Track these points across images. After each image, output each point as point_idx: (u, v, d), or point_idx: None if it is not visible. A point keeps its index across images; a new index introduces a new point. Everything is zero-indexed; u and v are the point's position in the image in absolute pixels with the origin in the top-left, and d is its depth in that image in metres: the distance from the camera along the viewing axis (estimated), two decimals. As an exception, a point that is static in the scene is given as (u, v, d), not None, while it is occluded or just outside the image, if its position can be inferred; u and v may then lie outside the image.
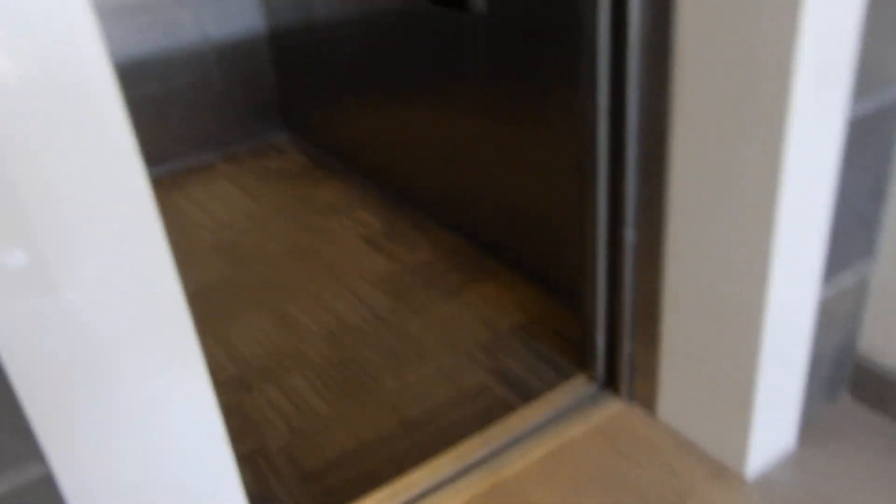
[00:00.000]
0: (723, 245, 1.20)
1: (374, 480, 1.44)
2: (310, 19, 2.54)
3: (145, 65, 2.67)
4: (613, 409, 1.54)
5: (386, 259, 2.16)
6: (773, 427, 1.36)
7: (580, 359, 1.66)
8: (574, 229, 1.73)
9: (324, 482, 1.46)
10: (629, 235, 1.36)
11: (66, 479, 0.62)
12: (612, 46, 1.23)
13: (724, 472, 1.38)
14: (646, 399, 1.51)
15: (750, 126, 1.08)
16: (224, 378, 1.74)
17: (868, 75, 1.13)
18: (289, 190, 2.64)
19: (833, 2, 0.98)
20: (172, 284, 0.62)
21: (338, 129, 2.70)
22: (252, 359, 1.81)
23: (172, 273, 0.62)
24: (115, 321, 0.60)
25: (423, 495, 1.40)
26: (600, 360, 1.56)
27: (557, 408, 1.55)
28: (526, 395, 1.61)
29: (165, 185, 2.75)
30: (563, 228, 1.77)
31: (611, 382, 1.57)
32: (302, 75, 2.78)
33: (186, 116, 2.81)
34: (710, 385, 1.35)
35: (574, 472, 1.41)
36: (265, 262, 2.22)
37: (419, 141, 2.22)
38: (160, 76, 2.71)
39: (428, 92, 2.08)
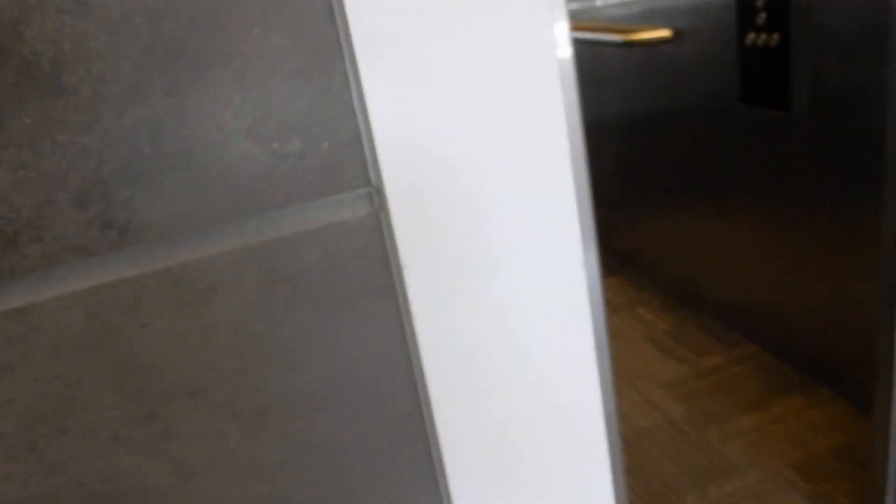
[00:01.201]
0: None
1: None
2: (607, 115, 2.60)
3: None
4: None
5: (675, 362, 2.08)
6: None
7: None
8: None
9: None
10: None
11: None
12: None
13: None
14: None
15: None
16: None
17: None
18: (565, 285, 2.65)
19: None
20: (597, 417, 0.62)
21: (618, 227, 2.69)
22: (542, 456, 1.80)
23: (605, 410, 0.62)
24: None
25: None
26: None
27: (899, 550, 1.36)
28: (855, 529, 1.44)
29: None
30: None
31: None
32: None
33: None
34: None
35: None
36: (547, 356, 2.23)
37: (709, 241, 2.14)
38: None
39: (722, 192, 2.01)
